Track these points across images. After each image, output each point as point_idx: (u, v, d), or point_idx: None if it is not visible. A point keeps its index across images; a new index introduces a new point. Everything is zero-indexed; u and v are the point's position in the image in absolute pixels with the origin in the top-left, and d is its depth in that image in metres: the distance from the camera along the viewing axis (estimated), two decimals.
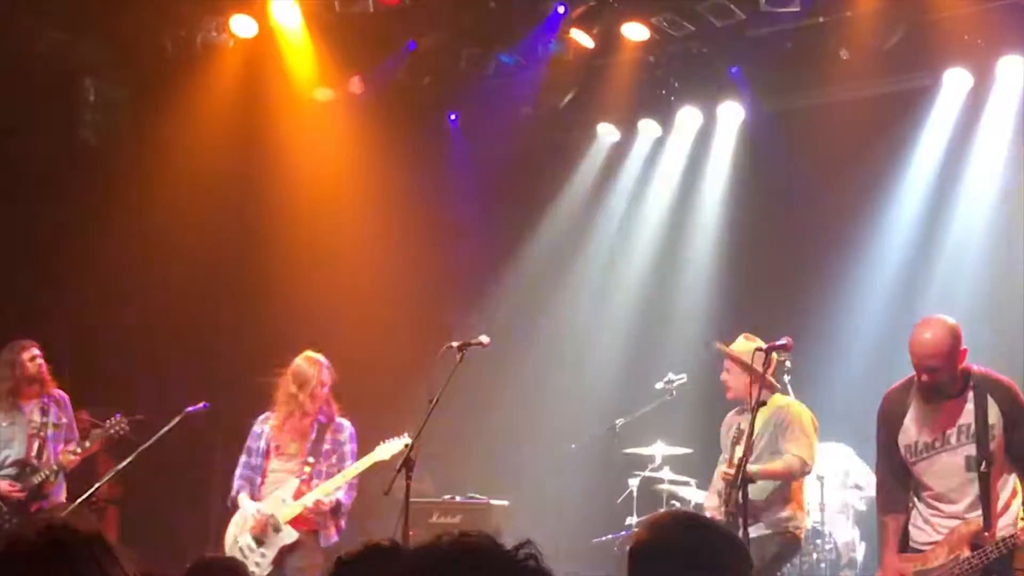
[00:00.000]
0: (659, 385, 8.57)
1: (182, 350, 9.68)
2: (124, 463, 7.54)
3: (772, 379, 6.88)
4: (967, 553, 5.20)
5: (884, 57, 8.83)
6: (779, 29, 9.04)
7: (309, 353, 7.33)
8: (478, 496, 8.86)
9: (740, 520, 5.74)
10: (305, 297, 10.07)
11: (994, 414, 5.28)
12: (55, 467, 7.63)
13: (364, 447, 7.29)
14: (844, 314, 9.40)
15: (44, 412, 7.78)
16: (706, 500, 7.38)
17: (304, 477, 7.12)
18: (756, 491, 6.69)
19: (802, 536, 7.07)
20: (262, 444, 7.30)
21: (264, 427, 7.33)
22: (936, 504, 5.42)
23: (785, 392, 8.08)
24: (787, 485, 6.92)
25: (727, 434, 7.08)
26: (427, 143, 10.62)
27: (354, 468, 7.11)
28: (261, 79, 9.83)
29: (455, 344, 6.41)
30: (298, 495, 7.08)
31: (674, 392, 8.53)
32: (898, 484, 5.55)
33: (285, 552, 7.07)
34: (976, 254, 9.06)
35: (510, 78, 10.03)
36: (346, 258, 10.26)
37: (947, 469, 5.36)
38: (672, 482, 8.71)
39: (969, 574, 5.20)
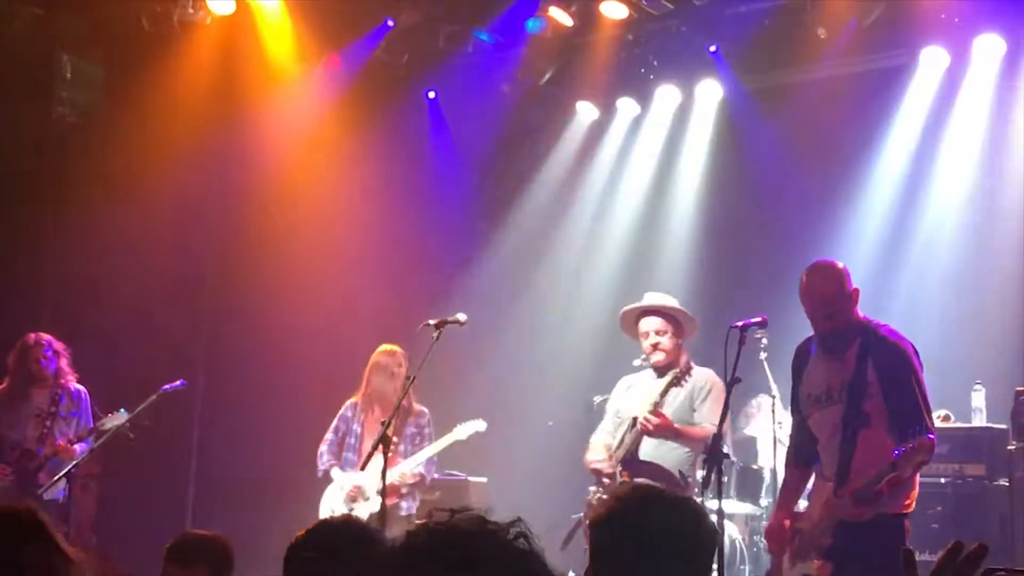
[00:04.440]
0: (636, 362, 8.58)
1: (159, 327, 9.65)
2: (102, 439, 7.55)
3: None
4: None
5: (861, 35, 8.86)
6: (757, 7, 9.06)
7: (385, 346, 7.91)
8: (456, 473, 8.89)
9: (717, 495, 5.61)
10: (283, 271, 10.05)
11: (872, 373, 5.14)
12: (49, 454, 7.50)
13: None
14: None
15: (54, 402, 7.70)
16: (590, 454, 7.13)
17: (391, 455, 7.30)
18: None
19: None
20: (356, 427, 7.88)
21: (354, 412, 7.93)
22: (821, 459, 5.37)
23: (763, 371, 8.12)
24: None
25: (625, 392, 7.13)
26: (405, 120, 10.59)
27: (434, 447, 7.75)
28: (238, 56, 9.76)
29: (432, 322, 6.43)
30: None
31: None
32: (803, 436, 5.46)
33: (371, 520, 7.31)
34: (951, 231, 9.11)
35: (489, 56, 10.02)
36: (324, 234, 10.23)
37: (825, 425, 5.30)
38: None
39: (821, 536, 5.14)
